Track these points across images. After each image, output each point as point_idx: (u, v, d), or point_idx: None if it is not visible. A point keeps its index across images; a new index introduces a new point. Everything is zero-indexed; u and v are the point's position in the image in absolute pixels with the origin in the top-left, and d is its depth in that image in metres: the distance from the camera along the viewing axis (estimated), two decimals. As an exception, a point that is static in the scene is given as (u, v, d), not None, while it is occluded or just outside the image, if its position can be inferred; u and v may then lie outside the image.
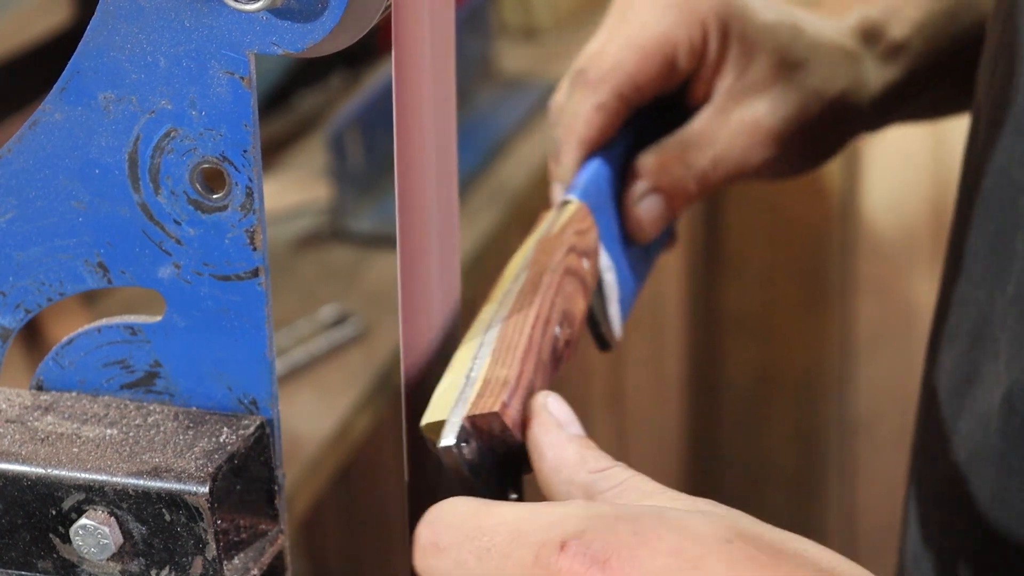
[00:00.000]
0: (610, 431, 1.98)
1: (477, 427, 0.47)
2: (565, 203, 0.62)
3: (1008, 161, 0.56)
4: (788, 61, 0.67)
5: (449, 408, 0.48)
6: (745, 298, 1.98)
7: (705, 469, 2.08)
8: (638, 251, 0.67)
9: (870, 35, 0.70)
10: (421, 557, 0.43)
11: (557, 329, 0.53)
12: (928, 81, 0.71)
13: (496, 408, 0.47)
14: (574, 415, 0.48)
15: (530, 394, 0.49)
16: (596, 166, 0.65)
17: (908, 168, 1.82)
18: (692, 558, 0.40)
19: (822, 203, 1.89)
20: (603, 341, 0.63)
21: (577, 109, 0.65)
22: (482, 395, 0.48)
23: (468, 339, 0.52)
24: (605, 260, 0.62)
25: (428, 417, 0.48)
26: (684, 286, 1.99)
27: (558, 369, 0.53)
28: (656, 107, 0.68)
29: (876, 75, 0.70)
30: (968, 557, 0.59)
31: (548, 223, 0.60)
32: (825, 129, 0.69)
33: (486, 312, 0.53)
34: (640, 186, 0.65)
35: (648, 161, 0.65)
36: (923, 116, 0.77)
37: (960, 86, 0.73)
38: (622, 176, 0.66)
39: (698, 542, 0.40)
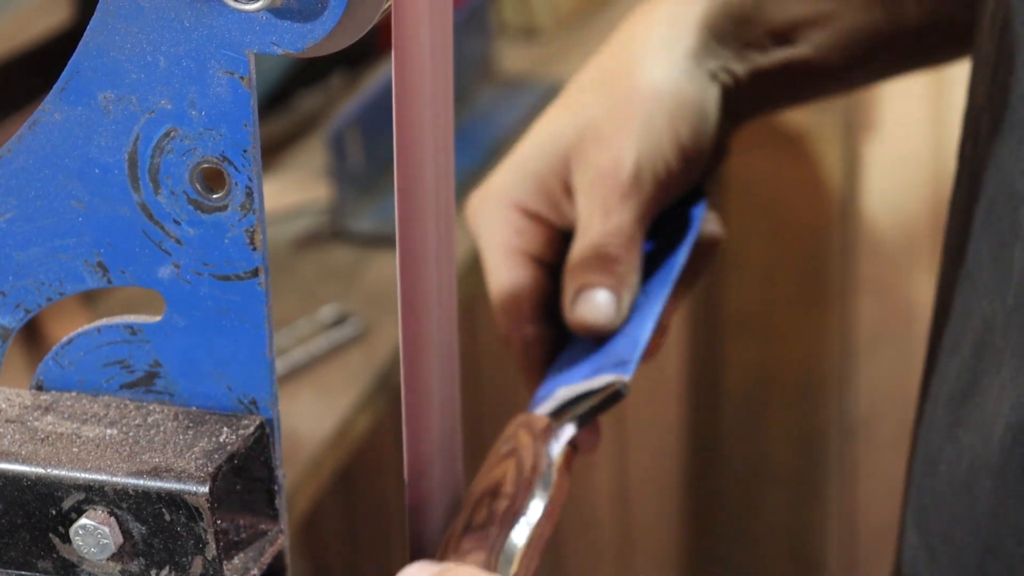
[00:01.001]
0: (610, 431, 1.98)
1: None
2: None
3: (1011, 171, 0.56)
4: (600, 136, 0.67)
5: None
6: (745, 298, 1.98)
7: (705, 469, 2.08)
8: (646, 288, 0.66)
9: (725, 34, 0.69)
10: None
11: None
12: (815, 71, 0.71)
13: None
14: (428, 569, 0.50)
15: None
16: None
17: (908, 168, 1.82)
18: None
19: (822, 203, 1.89)
20: (610, 399, 0.62)
21: (514, 348, 0.67)
22: None
23: None
24: (547, 405, 0.61)
25: None
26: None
27: (492, 522, 0.54)
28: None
29: (728, 75, 0.70)
30: (966, 568, 0.59)
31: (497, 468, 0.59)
32: (691, 137, 0.68)
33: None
34: (565, 300, 0.65)
35: (563, 280, 0.66)
36: (833, 94, 0.78)
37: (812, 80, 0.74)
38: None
39: None
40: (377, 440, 1.48)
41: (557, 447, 0.58)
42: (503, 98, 1.73)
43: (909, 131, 1.80)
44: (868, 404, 1.96)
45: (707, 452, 2.07)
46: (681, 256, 0.68)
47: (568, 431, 0.59)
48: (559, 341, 0.67)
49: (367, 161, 1.50)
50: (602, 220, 0.65)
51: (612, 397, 0.61)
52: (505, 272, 0.67)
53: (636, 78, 0.67)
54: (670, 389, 2.03)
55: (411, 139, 0.47)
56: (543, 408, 0.61)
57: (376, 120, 1.50)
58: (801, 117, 1.82)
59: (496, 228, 0.67)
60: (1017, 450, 0.55)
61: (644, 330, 0.64)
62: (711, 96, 0.68)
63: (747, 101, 0.71)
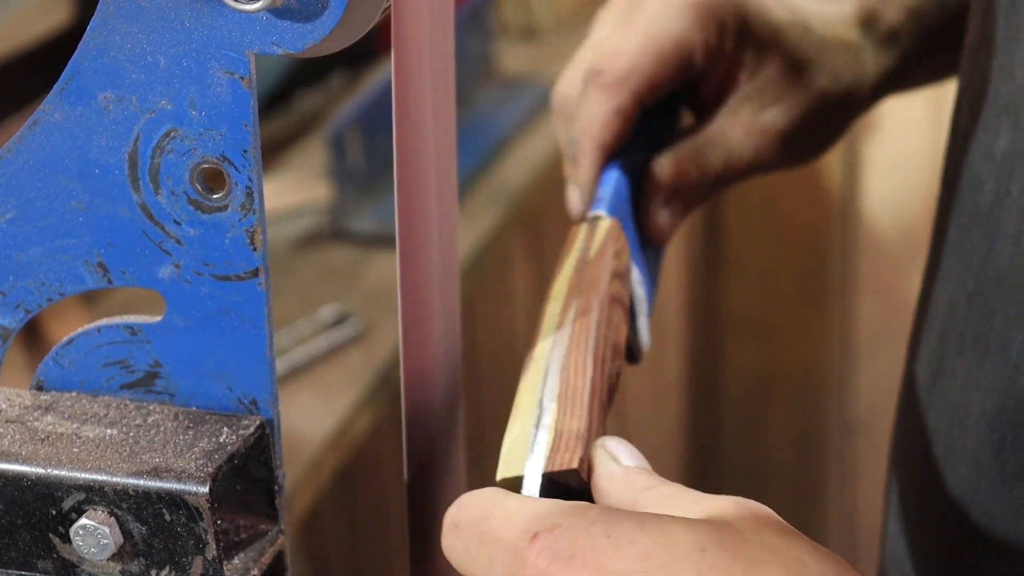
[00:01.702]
0: (610, 431, 1.98)
1: (554, 483, 0.47)
2: (596, 219, 0.61)
3: (974, 155, 0.57)
4: (798, 62, 0.68)
5: (523, 462, 0.47)
6: (745, 298, 1.98)
7: (705, 469, 2.08)
8: (653, 253, 0.66)
9: (868, 22, 0.70)
10: (444, 535, 0.44)
11: (612, 366, 0.53)
12: (919, 60, 0.72)
13: (574, 465, 0.47)
14: (631, 448, 0.48)
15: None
16: (616, 176, 0.64)
17: (908, 168, 1.82)
18: (659, 564, 0.40)
19: (822, 203, 1.89)
20: (632, 355, 0.62)
21: (595, 111, 0.64)
22: (556, 449, 0.47)
23: (528, 381, 0.51)
24: (636, 275, 0.62)
25: (503, 471, 0.48)
26: (684, 286, 1.99)
27: (613, 402, 0.53)
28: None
29: (874, 62, 0.70)
30: (943, 552, 0.59)
31: (582, 240, 0.59)
32: (831, 123, 0.69)
33: (541, 348, 0.52)
34: (660, 193, 0.65)
35: (665, 167, 0.65)
36: (912, 88, 0.78)
37: (950, 61, 0.74)
38: (636, 180, 0.66)
39: (669, 549, 0.40)
40: (377, 440, 1.48)
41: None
42: (503, 98, 1.73)
43: (909, 131, 1.80)
44: (868, 404, 1.96)
45: (707, 452, 2.07)
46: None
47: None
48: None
49: (367, 161, 1.50)
50: (742, 145, 0.66)
51: (632, 355, 0.62)
52: (667, 32, 0.65)
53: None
54: (670, 389, 2.03)
55: (411, 139, 0.47)
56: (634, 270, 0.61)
57: (376, 120, 1.51)
58: (801, 117, 1.82)
59: (688, 11, 0.66)
60: (991, 437, 0.55)
61: (654, 295, 0.65)
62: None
63: (886, 94, 0.72)
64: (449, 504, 0.46)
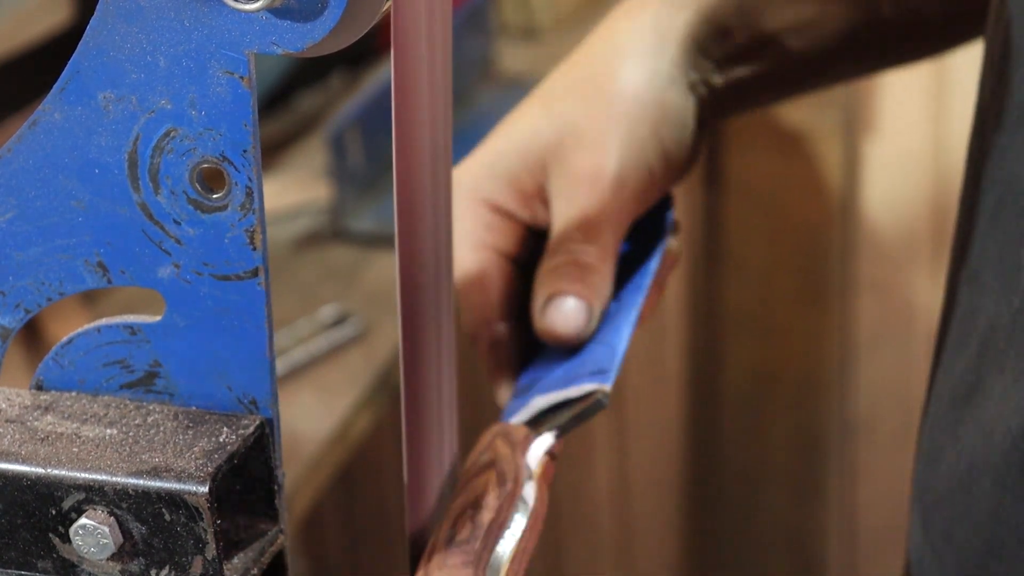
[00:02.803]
0: (610, 431, 1.98)
1: None
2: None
3: (1018, 171, 0.56)
4: (577, 138, 0.66)
5: None
6: (745, 298, 1.98)
7: (705, 469, 2.08)
8: (615, 302, 0.65)
9: (705, 46, 0.69)
10: None
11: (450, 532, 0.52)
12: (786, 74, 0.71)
13: None
14: None
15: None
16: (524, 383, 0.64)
17: (908, 168, 1.82)
18: None
19: (822, 203, 1.89)
20: (591, 411, 0.61)
21: (482, 355, 0.66)
22: None
23: None
24: (524, 414, 0.60)
25: None
26: (684, 285, 1.99)
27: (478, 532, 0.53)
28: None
29: (717, 79, 0.69)
30: (968, 568, 0.59)
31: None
32: (667, 141, 0.67)
33: None
34: (535, 305, 0.64)
35: (534, 282, 0.64)
36: (791, 97, 0.78)
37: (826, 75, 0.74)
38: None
39: None
40: (377, 440, 1.48)
41: (536, 458, 0.57)
42: (503, 98, 1.73)
43: (909, 131, 1.80)
44: (868, 404, 1.96)
45: (707, 452, 2.07)
46: (654, 263, 0.67)
47: (547, 441, 0.58)
48: (528, 343, 0.66)
49: (367, 161, 1.50)
50: (580, 227, 0.64)
51: (593, 407, 0.60)
52: (474, 266, 0.65)
53: (619, 84, 0.66)
54: (670, 389, 2.03)
55: (411, 139, 0.47)
56: (519, 417, 0.60)
57: (376, 120, 1.50)
58: (801, 117, 1.82)
59: (464, 222, 0.65)
60: (1015, 454, 0.55)
61: (621, 339, 0.63)
62: (690, 106, 0.67)
63: (722, 108, 0.70)
64: (449, 504, 0.46)
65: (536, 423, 0.59)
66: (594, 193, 0.64)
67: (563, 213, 0.65)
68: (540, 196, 0.66)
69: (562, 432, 0.59)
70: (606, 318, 0.64)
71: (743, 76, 0.71)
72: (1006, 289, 0.57)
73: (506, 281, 0.66)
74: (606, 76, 0.67)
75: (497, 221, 0.66)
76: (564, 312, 0.63)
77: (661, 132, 0.66)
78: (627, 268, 0.66)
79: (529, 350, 0.66)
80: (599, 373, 0.61)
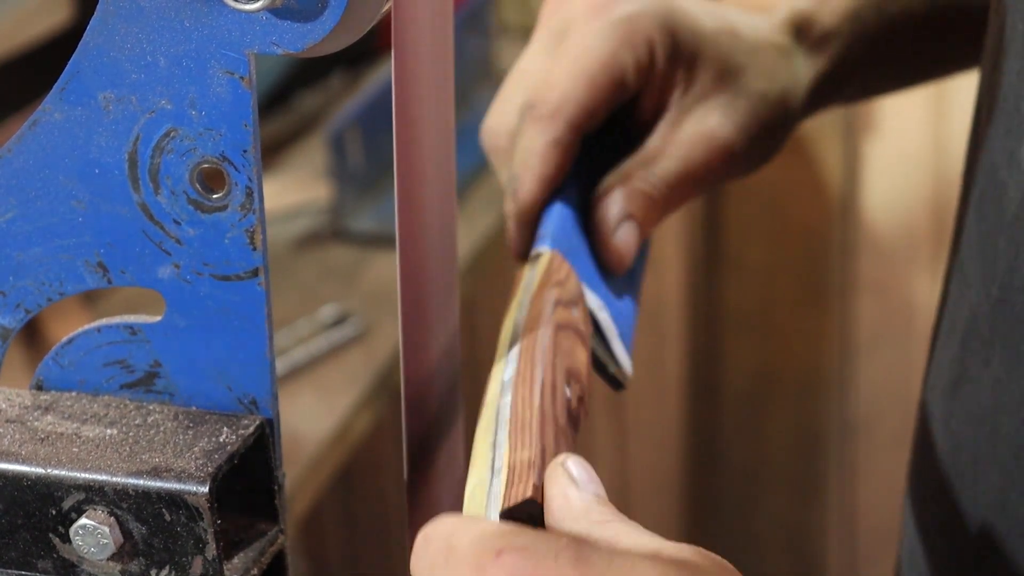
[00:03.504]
0: (610, 431, 1.98)
1: (515, 517, 0.45)
2: (536, 256, 0.60)
3: (996, 160, 0.56)
4: (731, 68, 0.67)
5: (483, 508, 0.46)
6: (745, 298, 1.98)
7: (705, 469, 2.08)
8: (622, 277, 0.65)
9: (800, 28, 0.70)
10: (414, 550, 0.43)
11: (567, 390, 0.52)
12: (855, 67, 0.71)
13: (528, 494, 0.45)
14: (591, 474, 0.46)
15: None
16: (559, 209, 0.63)
17: (908, 168, 1.82)
18: None
19: (822, 203, 1.89)
20: (615, 381, 0.61)
21: (532, 146, 0.63)
22: (511, 484, 0.46)
23: (482, 426, 0.50)
24: (593, 300, 0.60)
25: None
26: (684, 286, 1.99)
27: (578, 429, 0.52)
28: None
29: (807, 67, 0.70)
30: (967, 560, 0.59)
31: (524, 281, 0.58)
32: (773, 128, 0.68)
33: (491, 392, 0.51)
34: (611, 217, 0.63)
35: (613, 191, 0.64)
36: (853, 100, 0.77)
37: (890, 71, 0.74)
38: (584, 208, 0.64)
39: None
40: (377, 440, 1.47)
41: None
42: (503, 98, 1.73)
43: (909, 131, 1.80)
44: (868, 404, 1.96)
45: (707, 452, 2.07)
46: (645, 249, 0.68)
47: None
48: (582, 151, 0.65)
49: (367, 161, 1.50)
50: (683, 169, 0.64)
51: (614, 382, 0.61)
52: (593, 66, 0.64)
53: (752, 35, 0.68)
54: (670, 389, 2.03)
55: (411, 139, 0.47)
56: (587, 295, 0.60)
57: (376, 120, 1.50)
58: (801, 117, 1.82)
59: (621, 28, 0.64)
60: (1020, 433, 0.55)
61: (635, 319, 0.64)
62: (801, 84, 0.69)
63: (827, 99, 0.72)
64: (450, 504, 0.46)
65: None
66: (706, 150, 0.65)
67: (672, 144, 0.65)
68: (666, 85, 0.66)
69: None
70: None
71: (845, 87, 0.72)
72: (986, 279, 0.57)
73: (609, 104, 0.65)
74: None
75: (643, 59, 0.65)
76: (632, 240, 0.63)
77: (775, 119, 0.67)
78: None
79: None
80: (627, 348, 0.62)
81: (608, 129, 0.67)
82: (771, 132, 0.68)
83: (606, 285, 0.63)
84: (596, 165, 0.66)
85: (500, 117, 0.67)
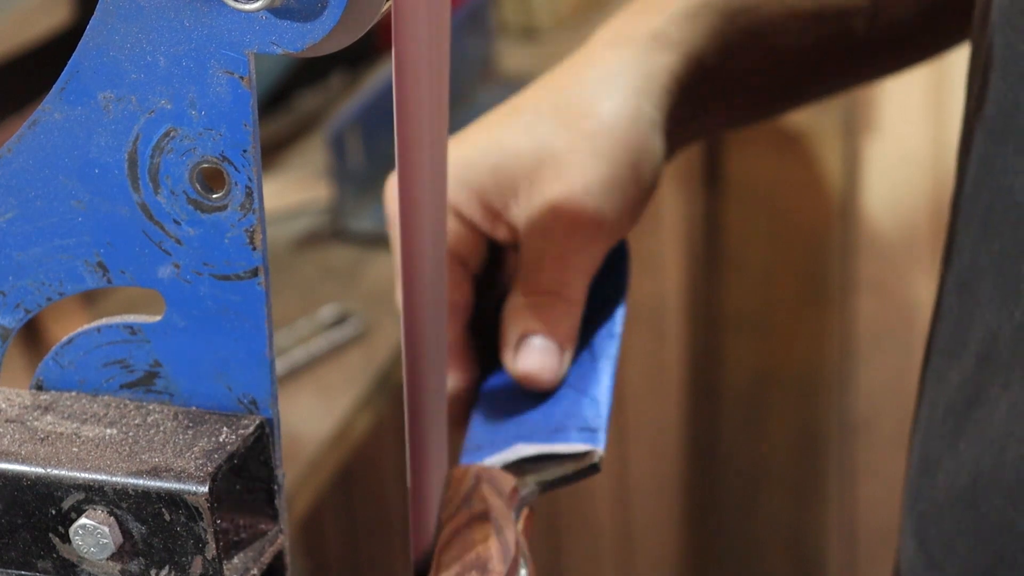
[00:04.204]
0: (610, 431, 1.98)
1: None
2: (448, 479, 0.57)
3: (1009, 182, 0.56)
4: (545, 161, 0.63)
5: None
6: (745, 298, 1.98)
7: (705, 469, 2.08)
8: (592, 347, 0.63)
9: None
10: None
11: None
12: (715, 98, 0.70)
13: None
14: None
15: None
16: (475, 409, 0.62)
17: (908, 168, 1.82)
18: None
19: (822, 203, 1.89)
20: (585, 472, 0.59)
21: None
22: None
23: None
24: (507, 455, 0.58)
25: None
26: (684, 286, 1.99)
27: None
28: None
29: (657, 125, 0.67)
30: (971, 574, 0.59)
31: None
32: (634, 173, 0.65)
33: None
34: (506, 344, 0.61)
35: (501, 321, 0.62)
36: (721, 129, 0.76)
37: (746, 103, 0.72)
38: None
39: None
40: (377, 440, 1.48)
41: (521, 511, 0.55)
42: (503, 98, 1.73)
43: (909, 131, 1.80)
44: (868, 404, 1.96)
45: (707, 452, 2.07)
46: (621, 310, 0.65)
47: (532, 496, 0.56)
48: (481, 357, 0.63)
49: (367, 161, 1.50)
50: (553, 263, 0.62)
51: (587, 471, 0.58)
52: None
53: (602, 119, 0.64)
54: (670, 389, 2.03)
55: (412, 138, 0.47)
56: (497, 459, 0.58)
57: (376, 120, 1.51)
58: (801, 117, 1.82)
59: None
60: None
61: (604, 392, 0.61)
62: (662, 148, 0.66)
63: (679, 146, 0.69)
64: (441, 551, 0.46)
65: (518, 470, 0.57)
66: (571, 229, 0.62)
67: (536, 245, 0.63)
68: (505, 216, 0.64)
69: (546, 488, 0.57)
70: (576, 363, 0.62)
71: (717, 113, 0.70)
72: (1006, 301, 0.56)
73: (461, 287, 0.63)
74: (590, 108, 0.65)
75: (457, 227, 0.63)
76: (539, 353, 0.61)
77: (639, 174, 0.64)
78: (590, 313, 0.64)
79: (481, 362, 0.64)
80: (588, 431, 0.59)
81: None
82: (633, 180, 0.64)
83: (548, 402, 0.60)
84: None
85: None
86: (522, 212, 0.63)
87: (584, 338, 0.63)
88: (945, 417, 0.60)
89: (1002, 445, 0.56)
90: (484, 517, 0.53)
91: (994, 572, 0.57)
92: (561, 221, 0.62)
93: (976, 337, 0.58)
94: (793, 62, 0.72)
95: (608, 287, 0.65)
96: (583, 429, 0.59)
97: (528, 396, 0.61)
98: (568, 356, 0.62)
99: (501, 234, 0.64)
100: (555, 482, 0.57)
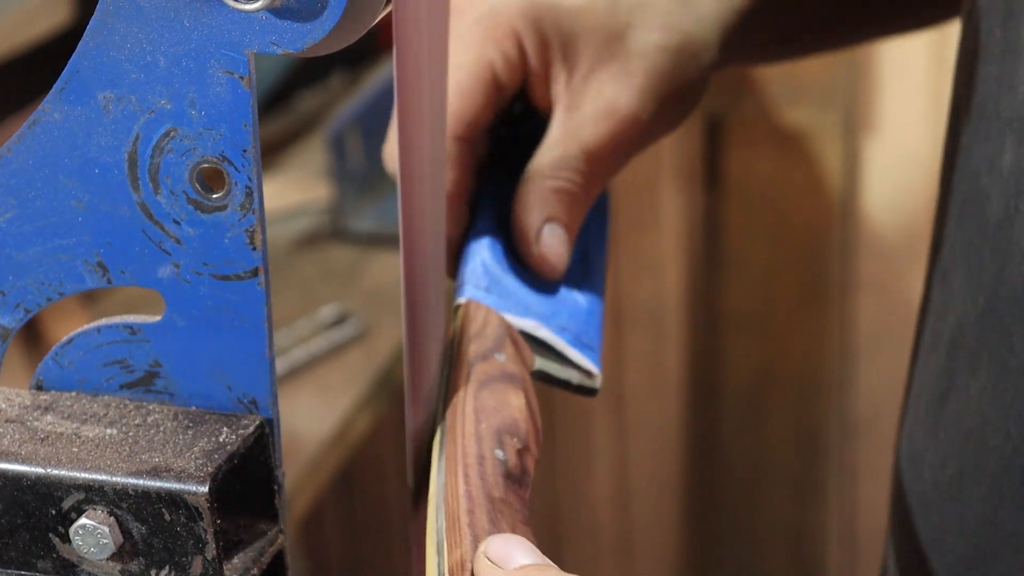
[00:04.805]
0: (610, 431, 1.98)
1: None
2: (456, 309, 0.57)
3: (978, 167, 0.56)
4: (614, 32, 0.63)
5: None
6: (745, 298, 1.98)
7: (705, 469, 2.08)
8: (577, 271, 0.62)
9: None
10: None
11: (499, 453, 0.49)
12: (768, 10, 0.68)
13: None
14: (524, 545, 0.44)
15: None
16: (473, 245, 0.60)
17: (908, 168, 1.82)
18: None
19: (822, 203, 1.89)
20: (584, 390, 0.58)
21: None
22: None
23: (428, 527, 0.48)
24: (528, 323, 0.57)
25: None
26: (684, 286, 1.99)
27: (527, 482, 0.50)
28: (502, 120, 0.64)
29: (711, 7, 0.66)
30: (958, 572, 0.59)
31: (450, 339, 0.55)
32: (680, 81, 0.64)
33: (432, 484, 0.49)
34: (529, 226, 0.61)
35: (526, 195, 0.61)
36: (773, 55, 0.73)
37: (806, 20, 0.71)
38: (504, 217, 0.62)
39: None
40: (377, 440, 1.48)
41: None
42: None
43: (909, 131, 1.80)
44: (868, 404, 1.96)
45: (707, 452, 2.07)
46: (606, 226, 0.65)
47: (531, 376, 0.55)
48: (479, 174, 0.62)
49: (367, 161, 1.50)
50: (585, 154, 0.61)
51: (589, 390, 0.58)
52: (470, 72, 0.61)
53: (657, 9, 0.64)
54: (670, 389, 2.03)
55: (413, 138, 0.47)
56: (517, 323, 0.57)
57: (376, 120, 1.51)
58: (801, 117, 1.82)
59: (484, 32, 0.61)
60: (1017, 461, 0.54)
61: (598, 312, 0.61)
62: (713, 49, 0.65)
63: (731, 58, 0.68)
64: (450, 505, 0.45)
65: (530, 343, 0.57)
66: (610, 124, 0.62)
67: (573, 130, 0.62)
68: (552, 83, 0.63)
69: (543, 380, 0.57)
70: (571, 269, 0.62)
71: (761, 32, 0.69)
72: (972, 289, 0.56)
73: (486, 112, 0.62)
74: None
75: (511, 53, 0.62)
76: (560, 242, 0.60)
77: (684, 72, 0.63)
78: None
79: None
80: (588, 348, 0.59)
81: (515, 138, 0.64)
82: (679, 86, 0.64)
83: (549, 295, 0.60)
84: (513, 175, 0.63)
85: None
86: (572, 89, 0.62)
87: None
88: (926, 410, 0.60)
89: (982, 434, 0.56)
90: (516, 381, 0.53)
91: (979, 565, 0.57)
92: (601, 114, 0.62)
93: (949, 327, 0.58)
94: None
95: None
96: (584, 345, 0.59)
97: (517, 259, 0.61)
98: (572, 246, 0.61)
99: (538, 92, 0.63)
100: (557, 381, 0.57)
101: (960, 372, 0.57)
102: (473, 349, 0.54)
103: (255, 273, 0.45)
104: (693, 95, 0.65)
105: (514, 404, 0.52)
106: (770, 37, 0.70)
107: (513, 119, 0.65)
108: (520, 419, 0.51)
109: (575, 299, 0.61)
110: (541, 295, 0.60)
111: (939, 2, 0.74)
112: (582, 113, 0.62)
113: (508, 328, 0.56)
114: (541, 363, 0.57)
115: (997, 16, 0.55)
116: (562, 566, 0.43)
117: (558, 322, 0.59)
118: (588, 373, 0.58)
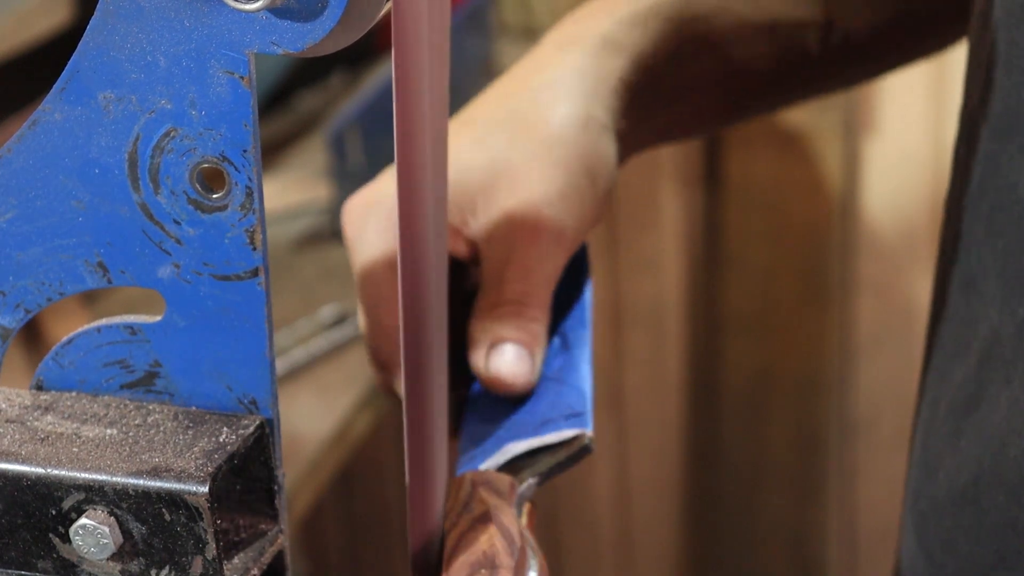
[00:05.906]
0: (610, 431, 1.98)
1: None
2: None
3: (1014, 180, 0.56)
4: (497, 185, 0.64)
5: None
6: (745, 298, 1.98)
7: (705, 469, 2.08)
8: (558, 344, 0.63)
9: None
10: None
11: None
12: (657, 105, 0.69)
13: None
14: None
15: None
16: (465, 417, 0.62)
17: (908, 168, 1.82)
18: None
19: (822, 203, 1.89)
20: (581, 453, 0.58)
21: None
22: None
23: None
24: (502, 456, 0.58)
25: None
26: (684, 286, 1.99)
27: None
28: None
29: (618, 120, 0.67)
30: (973, 572, 0.59)
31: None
32: (605, 209, 0.66)
33: None
34: (475, 361, 0.61)
35: (470, 333, 0.62)
36: (669, 138, 0.75)
37: (694, 110, 0.72)
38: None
39: None
40: (377, 440, 1.48)
41: (522, 507, 0.55)
42: (503, 98, 1.73)
43: (909, 131, 1.80)
44: (868, 404, 1.96)
45: (707, 452, 2.07)
46: (587, 297, 0.65)
47: (531, 489, 0.56)
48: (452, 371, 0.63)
49: (367, 161, 1.50)
50: (520, 274, 0.62)
51: (579, 453, 0.58)
52: (390, 289, 0.63)
53: (554, 127, 0.64)
54: (670, 389, 2.03)
55: (412, 138, 0.47)
56: (490, 463, 0.58)
57: (376, 120, 1.51)
58: (801, 117, 1.82)
59: (383, 239, 0.62)
60: None
61: (584, 378, 0.61)
62: (615, 153, 0.66)
63: (631, 151, 0.69)
64: (449, 560, 0.46)
65: (512, 469, 0.57)
66: (532, 240, 0.62)
67: (498, 258, 0.63)
68: (464, 231, 0.64)
69: (544, 479, 0.57)
70: (550, 356, 0.63)
71: (665, 120, 0.70)
72: (1010, 299, 0.56)
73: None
74: (540, 116, 0.64)
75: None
76: (510, 360, 0.61)
77: (594, 180, 0.64)
78: (558, 304, 0.64)
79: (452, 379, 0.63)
80: (574, 416, 0.59)
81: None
82: (599, 207, 0.65)
83: (533, 403, 0.61)
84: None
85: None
86: (481, 226, 0.63)
87: (555, 332, 0.64)
88: (946, 416, 0.60)
89: (1003, 442, 0.56)
90: (485, 518, 0.53)
91: (995, 570, 0.57)
92: (521, 233, 0.62)
93: (980, 335, 0.58)
94: (744, 73, 0.72)
95: (571, 281, 0.66)
96: (569, 416, 0.59)
97: (511, 399, 0.61)
98: (539, 358, 0.62)
99: (461, 250, 0.64)
100: (550, 471, 0.57)
101: (993, 381, 0.57)
102: (446, 525, 0.54)
103: (255, 273, 0.45)
104: (606, 201, 0.65)
105: (482, 540, 0.52)
106: (662, 126, 0.71)
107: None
108: (491, 547, 0.52)
109: (558, 381, 0.61)
110: (523, 407, 0.61)
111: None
112: (503, 237, 0.62)
113: (475, 480, 0.56)
114: (532, 471, 0.57)
115: (1021, 27, 0.54)
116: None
117: (539, 419, 0.59)
118: (573, 440, 0.58)
